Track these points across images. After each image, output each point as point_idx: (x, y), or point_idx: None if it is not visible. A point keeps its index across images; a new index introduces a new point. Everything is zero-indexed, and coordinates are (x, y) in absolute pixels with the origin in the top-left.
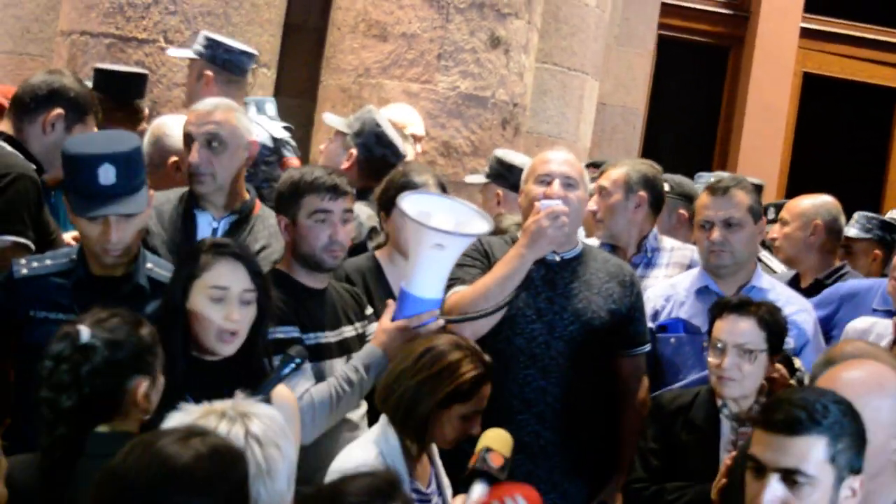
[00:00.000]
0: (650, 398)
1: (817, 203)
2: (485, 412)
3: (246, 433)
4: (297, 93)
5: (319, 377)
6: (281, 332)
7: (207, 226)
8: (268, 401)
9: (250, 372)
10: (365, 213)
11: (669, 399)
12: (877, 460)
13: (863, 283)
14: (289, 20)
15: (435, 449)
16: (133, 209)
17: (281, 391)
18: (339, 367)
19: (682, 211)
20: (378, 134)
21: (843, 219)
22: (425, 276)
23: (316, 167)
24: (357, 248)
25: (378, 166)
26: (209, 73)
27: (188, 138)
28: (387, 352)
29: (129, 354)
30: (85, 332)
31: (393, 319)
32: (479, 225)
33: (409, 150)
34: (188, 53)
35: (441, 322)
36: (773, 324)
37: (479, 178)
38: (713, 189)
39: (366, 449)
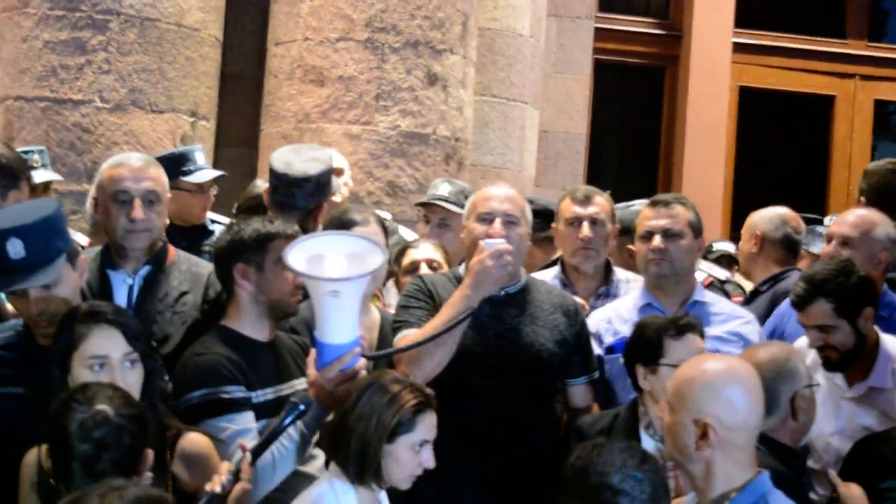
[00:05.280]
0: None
1: (763, 215)
2: (440, 446)
3: None
4: (239, 142)
5: None
6: (226, 393)
7: (122, 284)
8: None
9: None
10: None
11: (590, 423)
12: (735, 437)
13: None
14: (225, 70)
15: (384, 496)
16: (39, 282)
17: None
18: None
19: (630, 246)
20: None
21: (789, 227)
22: (334, 324)
23: (264, 217)
24: None
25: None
26: None
27: (123, 194)
28: (321, 402)
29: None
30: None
31: (317, 369)
32: (372, 259)
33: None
34: None
35: (364, 361)
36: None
37: None
38: (655, 202)
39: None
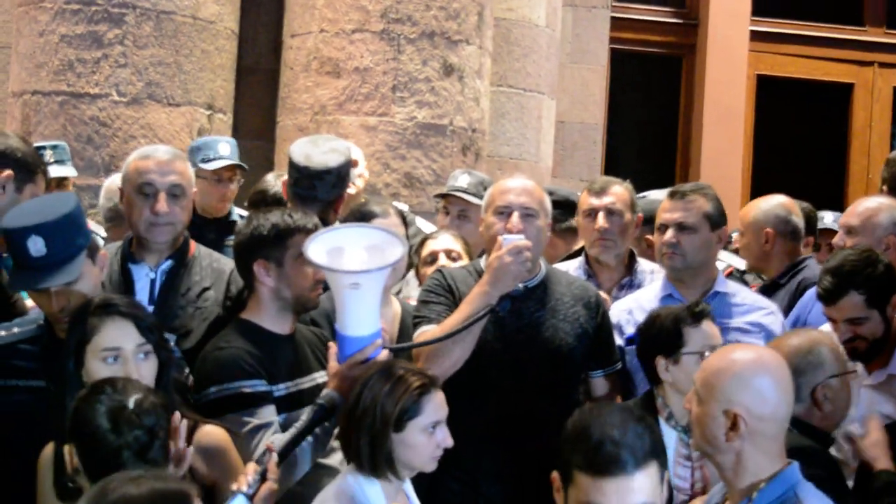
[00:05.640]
0: None
1: (765, 209)
2: (461, 442)
3: None
4: (255, 135)
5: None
6: (248, 387)
7: (144, 277)
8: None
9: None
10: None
11: None
12: (765, 427)
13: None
14: (241, 63)
15: (410, 487)
16: (61, 280)
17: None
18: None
19: (648, 236)
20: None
21: (794, 216)
22: (355, 316)
23: (284, 210)
24: None
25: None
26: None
27: (148, 187)
28: (342, 394)
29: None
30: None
31: (339, 361)
32: (392, 251)
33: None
34: None
35: (386, 353)
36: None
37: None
38: (672, 193)
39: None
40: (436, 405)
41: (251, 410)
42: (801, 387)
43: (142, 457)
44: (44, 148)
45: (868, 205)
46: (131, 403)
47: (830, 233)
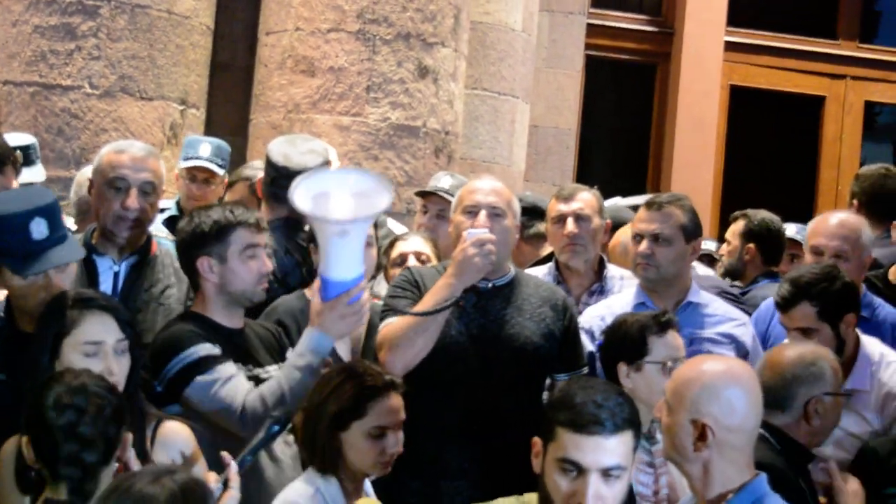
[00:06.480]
0: None
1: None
2: (424, 437)
3: None
4: (228, 131)
5: None
6: (204, 350)
7: (108, 270)
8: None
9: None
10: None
11: None
12: (733, 438)
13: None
14: (216, 59)
15: (369, 486)
16: (71, 257)
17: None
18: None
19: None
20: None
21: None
22: (340, 261)
23: (225, 204)
24: None
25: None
26: None
27: (120, 181)
28: (328, 333)
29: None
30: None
31: (323, 301)
32: (379, 199)
33: None
34: None
35: (368, 294)
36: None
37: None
38: (649, 203)
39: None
40: (384, 410)
41: (212, 370)
42: (796, 396)
43: (98, 423)
44: (15, 148)
45: (847, 227)
46: (88, 378)
47: (792, 243)
